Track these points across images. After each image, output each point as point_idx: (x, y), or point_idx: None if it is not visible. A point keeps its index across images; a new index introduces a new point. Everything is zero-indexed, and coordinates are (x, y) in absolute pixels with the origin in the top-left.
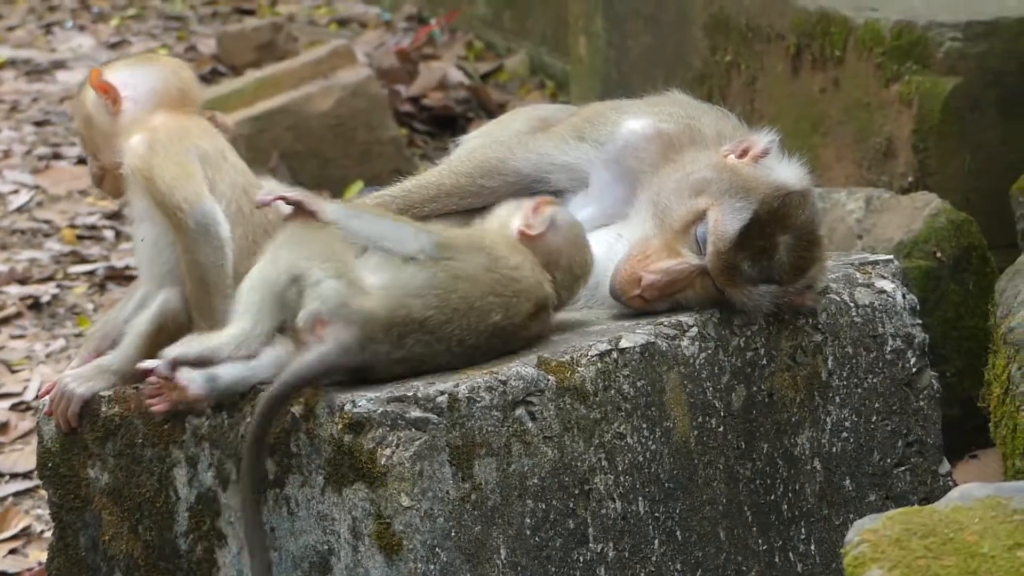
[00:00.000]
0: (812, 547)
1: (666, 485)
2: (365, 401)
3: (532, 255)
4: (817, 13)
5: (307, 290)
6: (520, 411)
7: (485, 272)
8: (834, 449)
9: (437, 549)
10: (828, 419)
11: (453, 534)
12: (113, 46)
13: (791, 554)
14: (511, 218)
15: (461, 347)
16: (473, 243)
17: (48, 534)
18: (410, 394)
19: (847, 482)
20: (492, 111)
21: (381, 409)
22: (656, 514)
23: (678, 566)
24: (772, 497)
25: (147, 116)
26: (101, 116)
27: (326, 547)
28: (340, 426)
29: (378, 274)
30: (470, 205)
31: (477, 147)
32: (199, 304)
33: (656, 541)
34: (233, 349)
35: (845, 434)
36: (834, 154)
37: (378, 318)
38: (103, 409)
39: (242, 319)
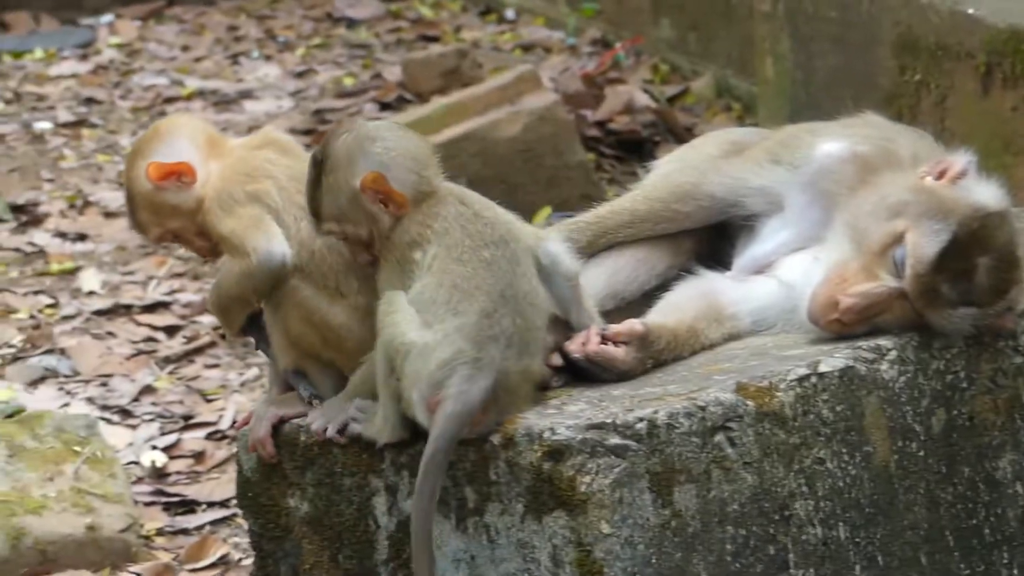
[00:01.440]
0: (1015, 572)
1: (867, 510)
2: (564, 429)
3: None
4: (1007, 31)
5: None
6: (720, 437)
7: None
8: None
9: None
10: None
11: (654, 561)
12: (299, 75)
13: None
14: None
15: (516, 287)
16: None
17: (246, 562)
18: (609, 421)
19: None
20: (679, 134)
21: (580, 436)
22: (857, 539)
23: None
24: (974, 521)
25: (207, 172)
26: (182, 199)
27: (526, 574)
28: (539, 454)
29: (430, 327)
30: (664, 230)
31: (670, 172)
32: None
33: (857, 567)
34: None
35: None
36: None
37: (463, 348)
38: (302, 438)
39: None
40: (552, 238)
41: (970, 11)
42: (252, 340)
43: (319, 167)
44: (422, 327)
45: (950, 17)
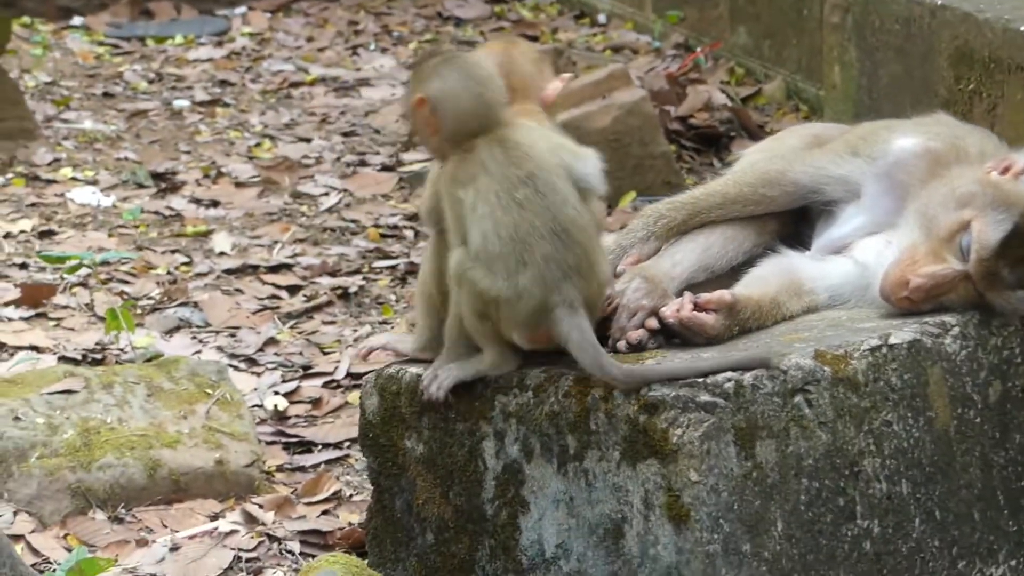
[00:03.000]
0: None
1: (927, 469)
2: (659, 386)
3: None
4: None
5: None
6: (799, 398)
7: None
8: None
9: (721, 520)
10: None
11: (735, 507)
12: (411, 67)
13: None
14: None
15: (560, 218)
16: None
17: (357, 498)
18: (700, 380)
19: None
20: (752, 131)
21: (674, 393)
22: (918, 495)
23: (936, 543)
24: (1023, 483)
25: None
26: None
27: (620, 516)
28: (636, 407)
29: (506, 279)
30: (751, 212)
31: (758, 160)
32: None
33: (917, 520)
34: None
35: None
36: None
37: (545, 297)
38: (420, 386)
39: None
40: (585, 157)
41: (1022, 28)
42: None
43: (412, 69)
44: (502, 278)
45: (1003, 33)
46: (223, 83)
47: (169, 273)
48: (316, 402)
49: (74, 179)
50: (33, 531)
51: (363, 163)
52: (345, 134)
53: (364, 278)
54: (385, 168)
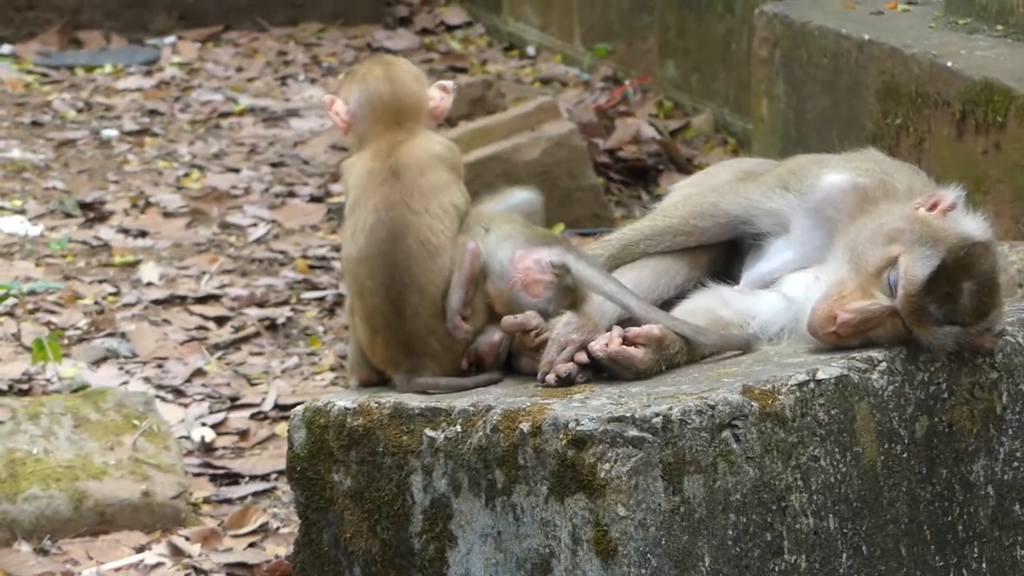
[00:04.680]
0: (984, 565)
1: (854, 504)
2: (588, 420)
3: None
4: (981, 83)
5: None
6: (726, 433)
7: None
8: (1006, 477)
9: (648, 555)
10: (1001, 449)
11: (663, 542)
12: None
13: (965, 571)
14: None
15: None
16: None
17: (284, 530)
18: (628, 415)
19: (1017, 507)
20: (680, 164)
21: (602, 428)
22: (845, 530)
23: None
24: (949, 519)
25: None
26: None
27: (547, 550)
28: (564, 442)
29: None
30: (683, 244)
31: (690, 193)
32: None
33: (844, 555)
34: None
35: (1016, 463)
36: (994, 211)
37: None
38: (348, 420)
39: None
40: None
41: (948, 64)
42: None
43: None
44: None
45: (930, 68)
46: (152, 113)
47: (96, 303)
48: (243, 434)
49: (1, 208)
50: None
51: (292, 194)
52: (274, 165)
53: (292, 309)
54: (314, 199)
